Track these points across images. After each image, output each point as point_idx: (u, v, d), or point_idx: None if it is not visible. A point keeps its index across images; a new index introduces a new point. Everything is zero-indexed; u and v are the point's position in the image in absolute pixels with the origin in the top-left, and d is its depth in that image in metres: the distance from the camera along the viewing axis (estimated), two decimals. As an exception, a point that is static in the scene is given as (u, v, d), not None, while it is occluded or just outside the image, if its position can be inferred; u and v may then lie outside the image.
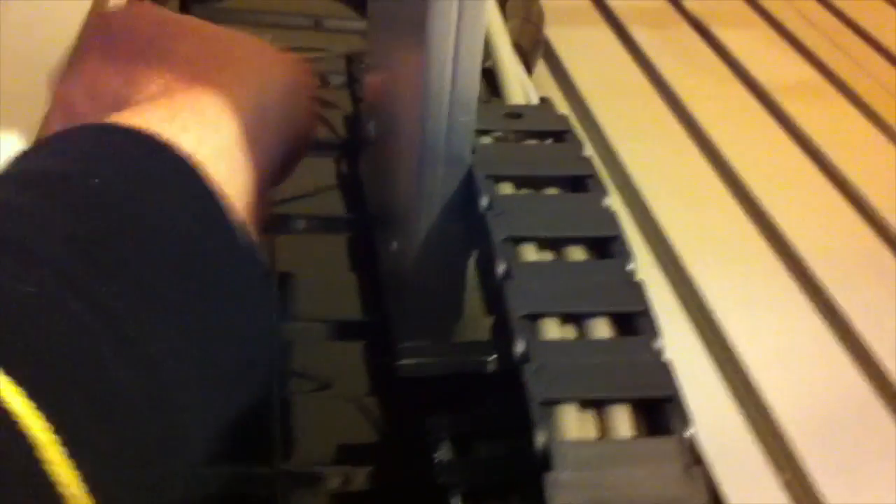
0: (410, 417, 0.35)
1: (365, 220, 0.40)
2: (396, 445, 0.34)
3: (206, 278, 0.23)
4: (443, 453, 0.33)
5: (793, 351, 0.38)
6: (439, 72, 0.29)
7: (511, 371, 0.24)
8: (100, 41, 0.32)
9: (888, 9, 0.68)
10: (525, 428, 0.23)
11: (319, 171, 0.45)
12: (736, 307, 0.39)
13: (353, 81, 0.50)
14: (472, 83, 0.30)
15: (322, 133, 0.47)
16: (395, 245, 0.34)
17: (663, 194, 0.45)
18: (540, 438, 0.21)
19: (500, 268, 0.26)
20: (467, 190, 0.31)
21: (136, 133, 0.24)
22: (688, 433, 0.22)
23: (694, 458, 0.21)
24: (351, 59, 0.51)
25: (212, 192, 0.24)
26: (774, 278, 0.42)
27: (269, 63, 0.31)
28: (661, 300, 0.29)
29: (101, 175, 0.23)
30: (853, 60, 0.60)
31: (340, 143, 0.47)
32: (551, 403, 0.22)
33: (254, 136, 0.28)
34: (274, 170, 0.30)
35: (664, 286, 0.40)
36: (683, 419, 0.22)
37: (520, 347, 0.24)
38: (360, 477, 0.32)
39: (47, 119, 0.32)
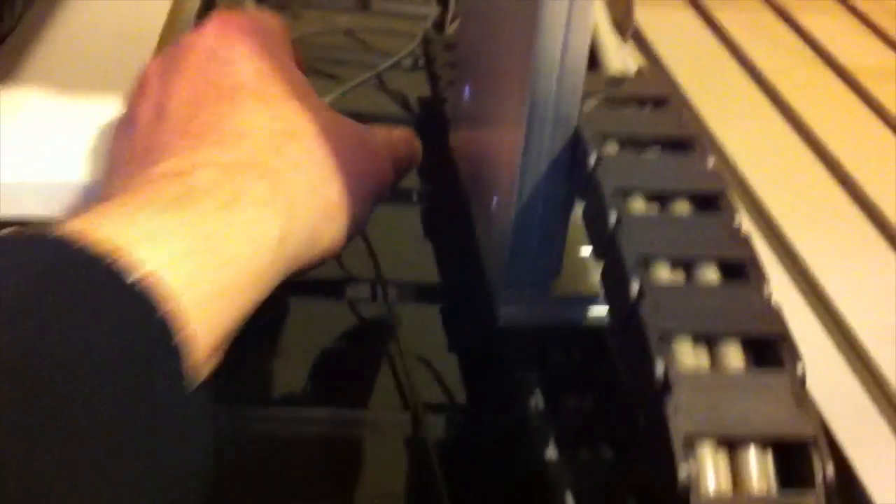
0: (493, 372, 0.36)
1: (448, 192, 0.42)
2: (477, 395, 0.36)
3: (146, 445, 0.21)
4: (534, 404, 0.35)
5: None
6: (551, 37, 0.30)
7: (622, 314, 0.26)
8: (198, 58, 0.31)
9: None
10: (633, 374, 0.25)
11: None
12: (834, 270, 0.41)
13: (430, 61, 0.52)
14: (583, 44, 0.31)
15: (397, 112, 0.49)
16: (495, 201, 0.35)
17: (759, 169, 0.47)
18: (659, 367, 0.22)
19: (612, 217, 0.28)
20: (573, 148, 0.32)
21: (95, 261, 0.21)
22: (799, 369, 0.23)
23: (805, 392, 0.23)
24: (428, 40, 0.52)
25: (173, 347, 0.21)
26: (866, 243, 0.44)
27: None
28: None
29: (41, 319, 0.20)
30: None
31: (416, 121, 0.49)
32: (667, 337, 0.23)
33: (270, 279, 0.26)
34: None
35: (766, 253, 0.42)
36: (794, 356, 0.23)
37: (634, 288, 0.25)
38: (440, 422, 0.35)
39: (131, 95, 0.32)
